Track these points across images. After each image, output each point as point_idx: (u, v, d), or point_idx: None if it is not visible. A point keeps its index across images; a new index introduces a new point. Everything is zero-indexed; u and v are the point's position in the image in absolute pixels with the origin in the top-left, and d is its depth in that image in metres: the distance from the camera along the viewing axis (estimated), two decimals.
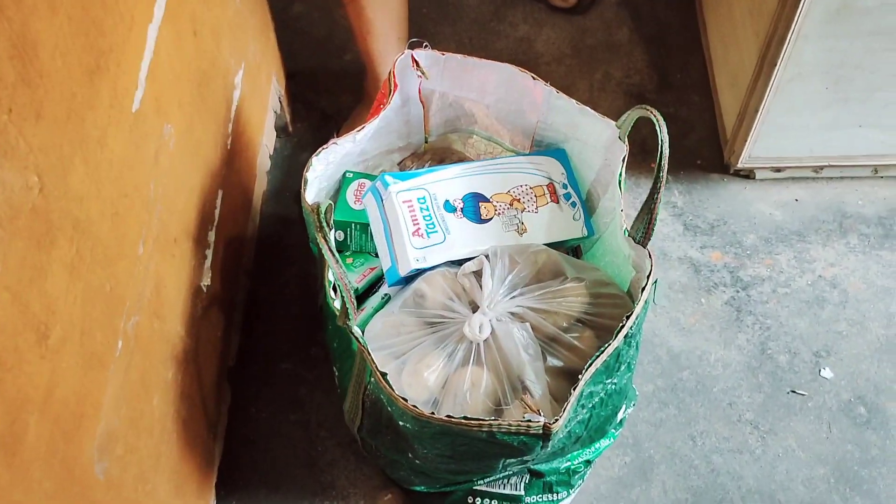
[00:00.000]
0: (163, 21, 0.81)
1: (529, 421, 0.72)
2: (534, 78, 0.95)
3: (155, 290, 0.79)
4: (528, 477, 0.94)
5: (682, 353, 1.16)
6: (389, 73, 0.93)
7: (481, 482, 0.95)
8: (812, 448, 1.09)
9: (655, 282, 0.82)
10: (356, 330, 0.77)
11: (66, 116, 0.61)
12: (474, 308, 0.86)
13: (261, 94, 1.19)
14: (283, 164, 1.33)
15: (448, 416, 0.73)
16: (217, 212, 0.99)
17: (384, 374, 0.75)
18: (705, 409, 1.12)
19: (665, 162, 0.80)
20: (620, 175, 0.88)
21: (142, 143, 0.76)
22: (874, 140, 1.17)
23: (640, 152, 1.31)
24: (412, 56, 0.93)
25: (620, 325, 0.77)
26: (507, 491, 0.95)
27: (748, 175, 1.27)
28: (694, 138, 1.33)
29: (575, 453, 0.94)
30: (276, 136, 1.32)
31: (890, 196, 1.26)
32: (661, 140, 0.80)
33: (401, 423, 0.78)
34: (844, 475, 1.07)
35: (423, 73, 0.94)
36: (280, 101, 1.29)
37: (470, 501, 0.96)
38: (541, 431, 0.72)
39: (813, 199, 1.26)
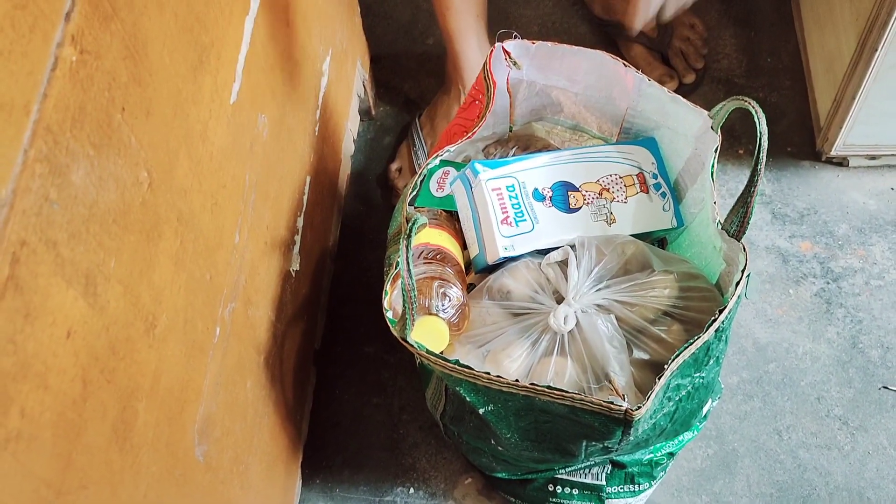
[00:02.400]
0: (258, 12, 0.82)
1: (612, 402, 0.71)
2: (625, 65, 0.93)
3: (249, 278, 0.81)
4: (609, 467, 0.94)
5: (768, 345, 1.14)
6: (484, 68, 0.92)
7: (563, 471, 0.95)
8: None
9: (749, 276, 0.80)
10: (412, 341, 0.76)
11: (173, 112, 0.63)
12: (559, 299, 0.86)
13: (346, 79, 1.20)
14: (366, 148, 1.34)
15: (532, 383, 0.73)
16: (305, 198, 1.00)
17: (456, 361, 0.75)
18: (792, 402, 1.10)
19: (763, 155, 0.78)
20: (713, 166, 0.86)
21: (239, 134, 0.77)
22: None
23: (728, 138, 1.28)
24: (503, 48, 0.92)
25: (712, 318, 0.76)
26: (589, 480, 0.95)
27: (841, 163, 1.23)
28: (784, 124, 1.29)
29: (658, 445, 0.93)
30: (360, 120, 1.33)
31: None
32: (760, 133, 0.78)
33: (481, 409, 0.78)
34: None
35: (515, 64, 0.93)
36: (364, 86, 1.30)
37: (550, 489, 0.96)
38: (622, 416, 0.71)
39: None
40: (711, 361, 0.81)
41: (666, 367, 0.72)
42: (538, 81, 0.99)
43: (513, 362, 0.81)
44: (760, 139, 0.78)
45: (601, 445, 0.78)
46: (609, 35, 1.37)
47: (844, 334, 1.13)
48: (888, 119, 1.12)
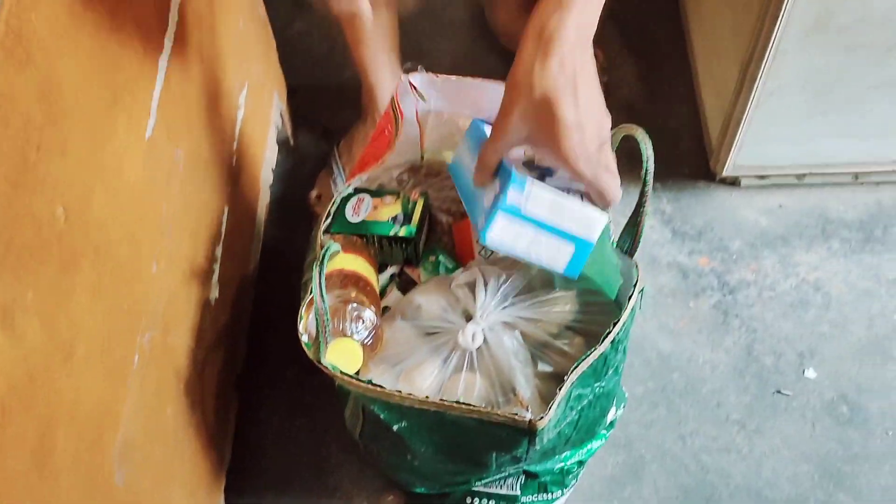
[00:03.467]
0: (172, 51, 0.85)
1: (516, 414, 0.76)
2: None
3: (167, 306, 0.84)
4: (522, 478, 0.99)
5: (671, 355, 1.20)
6: (392, 101, 0.96)
7: (479, 483, 0.99)
8: (797, 446, 1.13)
9: (642, 290, 0.86)
10: (326, 363, 0.80)
11: (89, 149, 0.66)
12: (468, 317, 0.91)
13: (263, 111, 1.23)
14: (286, 177, 1.37)
15: (442, 399, 0.77)
16: (223, 227, 1.03)
17: (369, 381, 0.78)
18: (694, 409, 1.17)
19: (650, 178, 0.84)
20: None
21: (154, 168, 0.80)
22: (854, 149, 1.21)
23: (629, 160, 1.34)
24: (409, 82, 0.97)
25: (608, 331, 0.81)
26: (504, 491, 0.99)
27: (734, 183, 1.32)
28: (682, 148, 1.37)
29: (567, 454, 0.98)
30: (278, 151, 1.36)
31: (870, 201, 1.31)
32: (646, 158, 0.84)
33: (395, 426, 0.82)
34: (828, 472, 1.11)
35: (420, 97, 0.98)
36: (282, 117, 1.33)
37: (469, 502, 1.00)
38: (527, 426, 0.76)
39: (796, 206, 1.31)
40: (610, 371, 0.86)
41: (566, 378, 0.78)
42: (445, 111, 1.04)
43: (425, 380, 0.85)
44: (647, 163, 0.84)
45: (510, 456, 0.82)
46: None
47: (740, 343, 1.21)
48: (772, 142, 1.20)
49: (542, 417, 0.76)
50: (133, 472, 0.75)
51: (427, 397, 0.77)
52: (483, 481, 0.99)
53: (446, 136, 1.08)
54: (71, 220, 0.63)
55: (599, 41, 1.39)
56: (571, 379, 0.78)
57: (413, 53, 1.35)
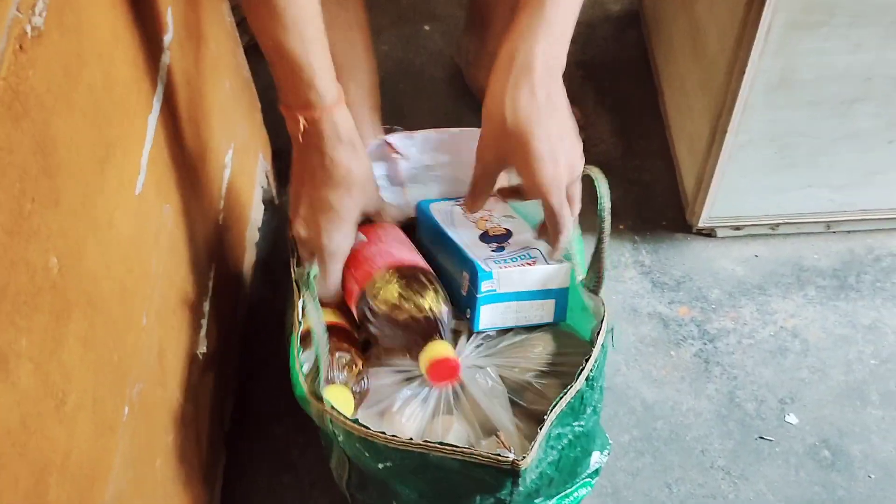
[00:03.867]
0: (161, 111, 0.88)
1: (499, 455, 0.77)
2: None
3: (157, 359, 0.85)
4: None
5: (655, 403, 1.22)
6: None
7: None
8: (781, 491, 1.14)
9: (611, 327, 0.89)
10: (324, 396, 0.81)
11: (81, 202, 0.68)
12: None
13: (249, 171, 1.26)
14: (271, 236, 1.39)
15: (425, 440, 0.78)
16: (211, 283, 1.05)
17: (355, 420, 0.80)
18: (679, 456, 1.18)
19: (606, 214, 0.87)
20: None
21: (145, 223, 0.82)
22: (823, 199, 1.25)
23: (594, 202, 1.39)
24: (386, 141, 1.01)
25: (581, 367, 0.83)
26: None
27: (710, 234, 1.35)
28: (658, 201, 1.41)
29: (553, 498, 0.99)
30: (264, 210, 1.39)
31: (842, 250, 1.34)
32: (601, 195, 0.86)
33: (380, 465, 0.82)
34: None
35: (399, 155, 1.01)
36: (267, 177, 1.36)
37: None
38: (510, 467, 0.77)
39: (771, 255, 1.34)
40: (589, 410, 0.88)
41: (545, 417, 0.79)
42: (425, 159, 1.07)
43: (407, 421, 0.86)
44: (602, 201, 0.86)
45: (494, 498, 0.83)
46: None
47: (722, 390, 1.23)
48: (745, 193, 1.24)
49: (524, 457, 0.77)
50: None
51: (411, 439, 0.78)
52: None
53: (427, 182, 1.10)
54: (64, 271, 0.64)
55: (575, 100, 1.45)
56: (551, 418, 0.80)
57: (393, 113, 1.39)
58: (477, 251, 0.94)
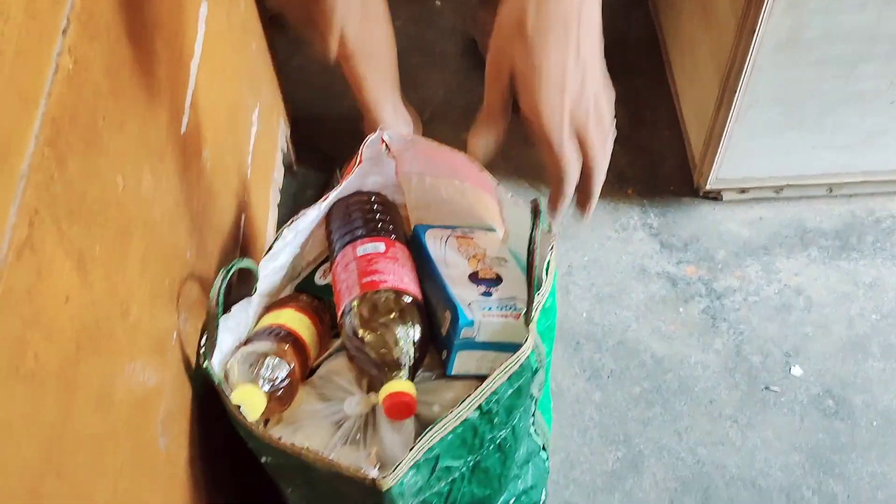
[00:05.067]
0: (201, 58, 0.92)
1: (361, 469, 0.73)
2: (480, 169, 0.95)
3: (199, 294, 0.89)
4: None
5: (664, 357, 1.26)
6: (359, 149, 0.96)
7: None
8: (787, 438, 1.19)
9: (532, 355, 0.80)
10: (210, 367, 0.81)
11: (139, 131, 0.72)
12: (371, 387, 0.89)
13: (272, 132, 1.30)
14: (290, 202, 1.43)
15: (292, 443, 0.75)
16: (241, 232, 1.09)
17: (238, 406, 0.79)
18: (688, 407, 1.22)
19: (535, 247, 0.81)
20: (547, 265, 0.86)
21: (188, 161, 0.86)
22: (827, 160, 1.30)
23: (618, 181, 1.43)
24: (382, 138, 0.97)
25: (467, 395, 0.76)
26: None
27: (716, 197, 1.40)
28: (666, 167, 1.46)
29: None
30: (284, 175, 1.43)
31: (844, 212, 1.39)
32: (533, 226, 0.80)
33: (262, 458, 0.81)
34: (818, 461, 1.17)
35: (390, 153, 0.98)
36: (286, 142, 1.40)
37: None
38: (371, 484, 0.73)
39: (776, 217, 1.39)
40: (489, 446, 0.82)
41: (418, 439, 0.74)
42: (425, 173, 1.02)
43: (309, 440, 0.83)
44: (533, 231, 0.80)
45: None
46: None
47: (729, 344, 1.27)
48: (751, 156, 1.29)
49: (385, 476, 0.73)
50: (173, 443, 0.79)
51: (280, 438, 0.76)
52: None
53: (430, 203, 1.06)
54: (127, 191, 0.68)
55: None
56: (426, 440, 0.75)
57: (407, 85, 1.43)
58: (463, 292, 0.89)
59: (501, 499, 0.94)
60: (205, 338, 0.82)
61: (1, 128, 0.49)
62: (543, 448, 1.01)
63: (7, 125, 0.49)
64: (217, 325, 0.82)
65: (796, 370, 1.25)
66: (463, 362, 0.87)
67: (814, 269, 1.34)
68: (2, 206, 0.48)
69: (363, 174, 1.00)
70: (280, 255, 0.95)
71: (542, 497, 1.03)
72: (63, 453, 0.55)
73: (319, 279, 1.03)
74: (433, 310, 0.91)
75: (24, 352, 0.50)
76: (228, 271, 0.81)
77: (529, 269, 0.81)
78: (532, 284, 0.81)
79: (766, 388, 1.23)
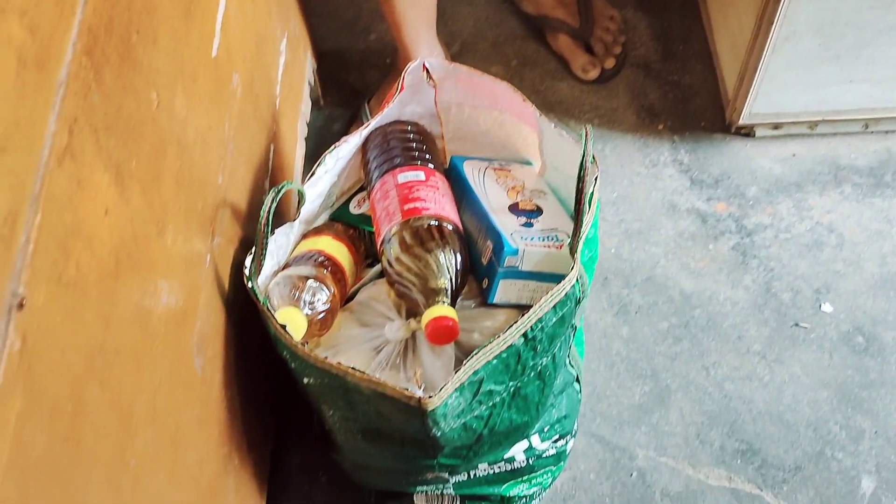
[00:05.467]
0: None
1: (406, 390, 0.74)
2: (523, 99, 0.94)
3: (231, 218, 0.89)
4: (458, 500, 0.98)
5: (693, 293, 1.26)
6: (401, 76, 0.96)
7: (420, 490, 0.98)
8: (816, 374, 1.18)
9: (578, 290, 0.81)
10: (256, 287, 0.81)
11: (172, 48, 0.71)
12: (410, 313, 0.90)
13: (300, 64, 1.29)
14: (316, 136, 1.42)
15: (338, 362, 0.76)
16: (270, 163, 1.08)
17: (283, 326, 0.79)
18: (716, 342, 1.22)
19: (586, 173, 0.80)
20: (591, 195, 0.85)
21: (219, 85, 0.86)
22: (864, 95, 1.27)
23: (649, 115, 1.41)
24: (424, 65, 0.96)
25: (515, 321, 0.77)
26: None
27: (749, 133, 1.38)
28: (697, 102, 1.43)
29: (511, 483, 0.98)
30: (310, 108, 1.42)
31: (880, 149, 1.36)
32: (585, 152, 0.80)
33: (304, 380, 0.82)
34: (846, 397, 1.16)
35: (433, 82, 0.97)
36: (313, 74, 1.39)
37: None
38: (417, 404, 0.73)
39: (809, 154, 1.37)
40: (530, 373, 0.83)
41: (465, 361, 0.75)
42: (465, 103, 1.02)
43: (352, 360, 0.82)
44: (584, 158, 0.80)
45: (416, 442, 0.80)
46: (537, 28, 1.50)
47: (759, 281, 1.26)
48: (787, 88, 1.26)
49: (431, 396, 0.73)
50: (208, 364, 0.79)
51: (325, 358, 0.77)
52: (418, 488, 0.98)
53: (466, 135, 1.06)
54: (161, 107, 0.68)
55: (615, 2, 1.46)
56: (471, 363, 0.76)
57: (436, 18, 1.41)
58: (505, 222, 0.89)
59: (537, 426, 0.95)
60: (251, 257, 0.83)
61: (40, 33, 0.48)
62: (577, 380, 1.02)
63: (46, 30, 0.49)
64: (266, 245, 0.82)
65: (826, 307, 1.24)
66: (504, 291, 0.88)
67: (847, 207, 1.32)
68: (42, 111, 0.48)
69: (402, 103, 1.00)
70: (320, 181, 0.95)
71: (574, 427, 1.04)
72: (104, 364, 0.56)
73: (354, 208, 1.03)
74: (473, 239, 0.92)
75: (67, 259, 0.51)
76: (279, 191, 0.81)
77: (579, 194, 0.81)
78: (581, 211, 0.81)
79: (796, 324, 1.23)
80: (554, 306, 0.79)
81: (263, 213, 0.81)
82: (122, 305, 0.59)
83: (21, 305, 0.45)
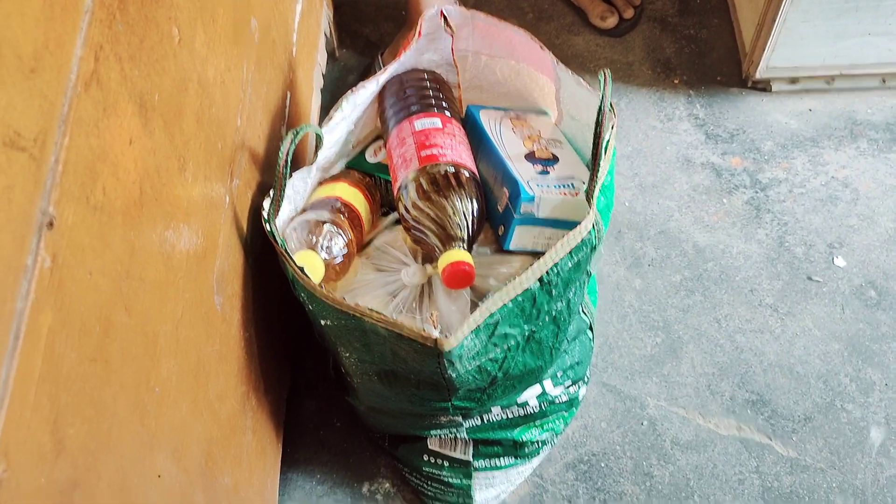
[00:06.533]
0: None
1: (423, 330, 0.74)
2: (541, 47, 0.95)
3: (249, 161, 0.89)
4: (471, 444, 1.00)
5: (706, 247, 1.26)
6: (419, 23, 0.96)
7: (433, 434, 1.00)
8: (827, 327, 1.19)
9: (593, 231, 0.81)
10: (274, 229, 0.81)
11: None
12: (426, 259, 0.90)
13: (316, 13, 1.29)
14: (332, 87, 1.43)
15: (356, 303, 0.76)
16: (287, 111, 1.09)
17: (301, 269, 0.79)
18: (729, 295, 1.22)
19: (603, 119, 0.80)
20: (606, 142, 0.85)
21: (238, 28, 0.86)
22: (882, 48, 1.27)
23: (665, 69, 1.41)
24: (441, 12, 0.96)
25: (532, 263, 0.78)
26: (457, 455, 1.00)
27: (765, 88, 1.37)
28: (714, 57, 1.42)
29: (523, 428, 0.99)
30: (326, 59, 1.42)
31: None
32: (603, 95, 0.79)
33: (322, 322, 0.82)
34: (857, 350, 1.17)
35: (451, 30, 0.97)
36: (329, 26, 1.39)
37: (426, 459, 1.02)
38: (433, 345, 0.74)
39: (825, 109, 1.36)
40: (546, 318, 0.83)
41: (481, 302, 0.75)
42: (482, 51, 1.01)
43: (369, 304, 0.81)
44: (602, 102, 0.80)
45: (432, 383, 0.81)
46: None
47: (772, 235, 1.27)
48: (805, 41, 1.25)
49: (447, 336, 0.74)
50: (227, 302, 0.81)
51: (343, 298, 0.77)
52: (432, 432, 1.00)
53: (483, 84, 1.06)
54: (183, 44, 0.68)
55: None
56: (488, 305, 0.76)
57: None
58: (521, 170, 0.90)
59: (550, 371, 0.96)
60: (269, 200, 0.83)
61: None
62: (590, 328, 1.03)
63: None
64: (285, 186, 0.83)
65: (839, 261, 1.24)
66: (520, 237, 0.88)
67: (862, 162, 1.32)
68: (71, 35, 0.49)
69: (419, 51, 1.00)
70: (337, 128, 0.95)
71: (586, 374, 1.05)
72: (130, 290, 0.57)
73: (370, 157, 1.03)
74: (489, 187, 0.92)
75: (94, 182, 0.52)
76: (297, 133, 0.82)
77: (596, 139, 0.80)
78: (598, 156, 0.80)
79: (809, 278, 1.23)
80: (570, 251, 0.80)
81: (282, 154, 0.81)
82: (147, 236, 0.60)
83: (51, 224, 0.46)
